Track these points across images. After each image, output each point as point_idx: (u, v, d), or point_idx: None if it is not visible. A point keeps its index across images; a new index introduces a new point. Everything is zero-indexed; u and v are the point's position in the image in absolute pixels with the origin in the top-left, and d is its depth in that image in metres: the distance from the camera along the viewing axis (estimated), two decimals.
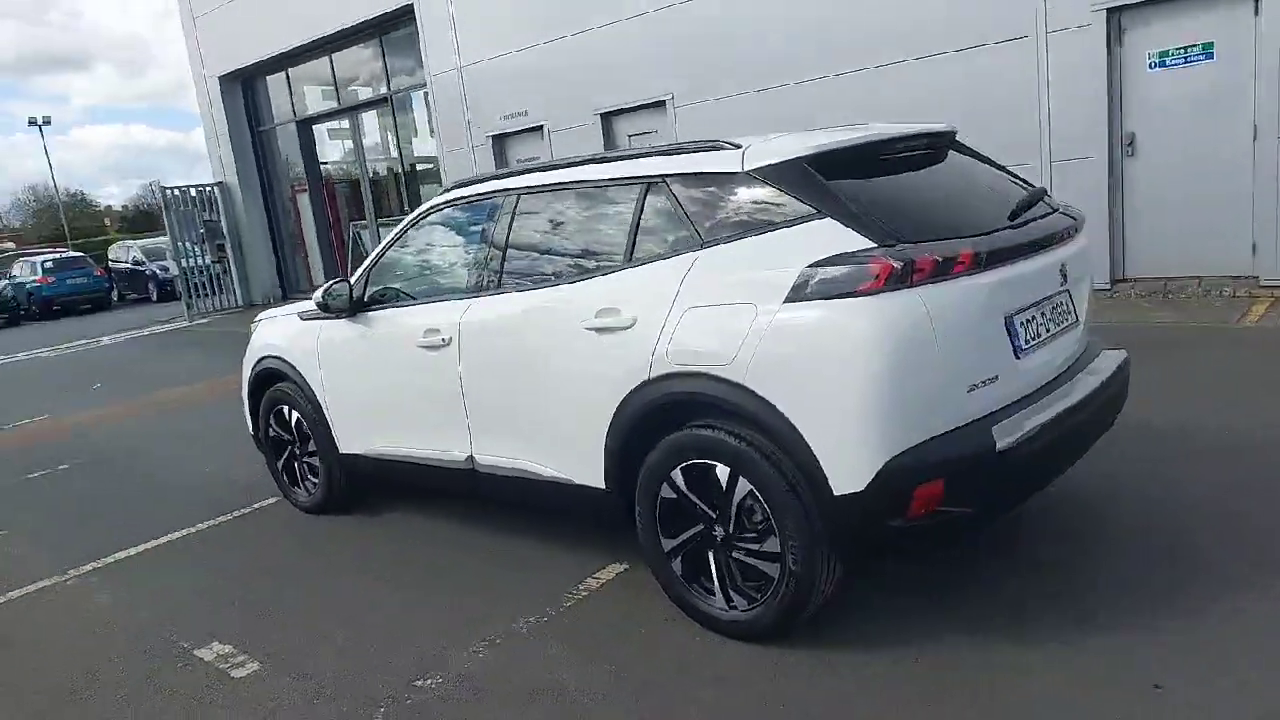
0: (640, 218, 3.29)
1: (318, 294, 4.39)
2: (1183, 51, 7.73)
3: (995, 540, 3.52)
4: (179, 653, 3.46)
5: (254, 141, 18.55)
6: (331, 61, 16.47)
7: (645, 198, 3.29)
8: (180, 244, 18.00)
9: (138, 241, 29.23)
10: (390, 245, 4.35)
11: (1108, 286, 8.26)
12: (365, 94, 16.26)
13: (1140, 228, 8.25)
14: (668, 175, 3.24)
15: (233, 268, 18.58)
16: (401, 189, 16.08)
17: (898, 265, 2.67)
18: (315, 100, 17.39)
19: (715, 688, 2.81)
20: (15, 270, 25.50)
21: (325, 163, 18.29)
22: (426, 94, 14.23)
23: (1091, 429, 3.24)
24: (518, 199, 3.77)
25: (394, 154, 16.14)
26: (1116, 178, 8.21)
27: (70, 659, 3.54)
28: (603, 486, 3.34)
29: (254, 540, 4.69)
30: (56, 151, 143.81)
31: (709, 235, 3.08)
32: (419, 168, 15.90)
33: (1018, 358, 2.94)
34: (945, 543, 3.38)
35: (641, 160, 3.37)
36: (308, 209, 18.16)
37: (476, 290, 3.80)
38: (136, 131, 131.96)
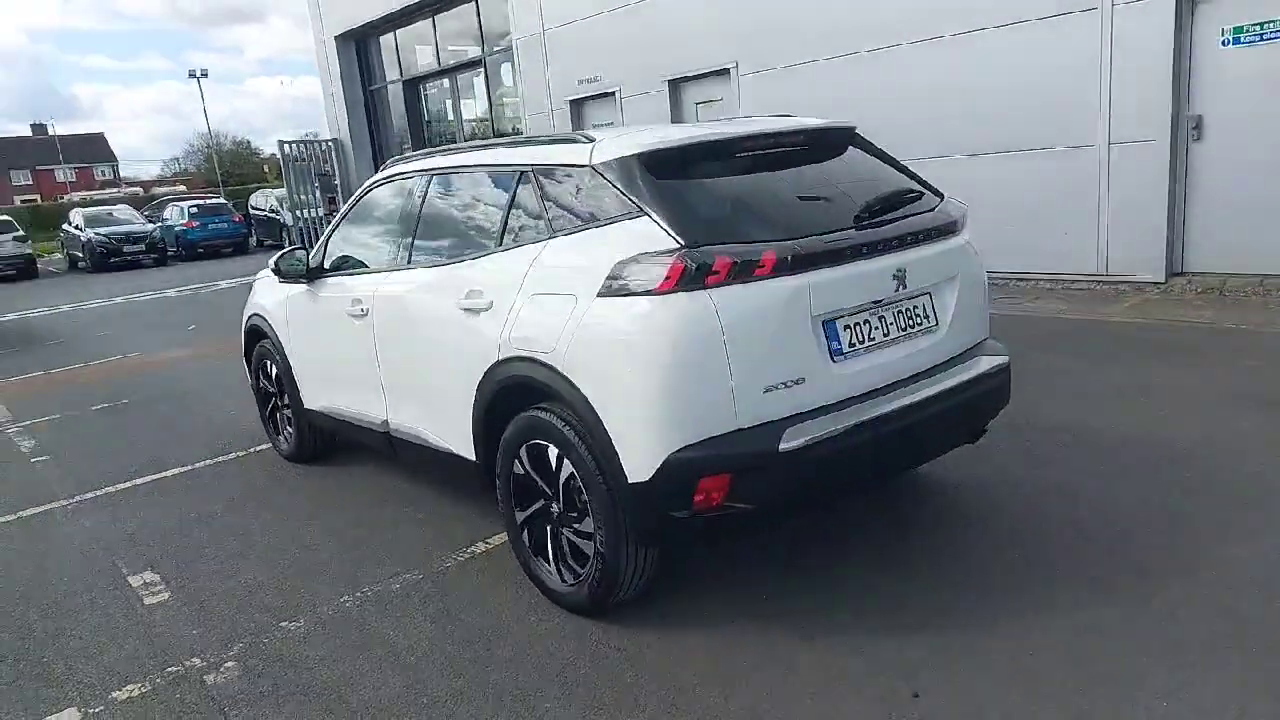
0: (511, 205, 3.44)
1: (273, 259, 4.75)
2: (1259, 28, 7.09)
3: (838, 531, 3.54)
4: (113, 578, 3.93)
5: (365, 100, 19.47)
6: (434, 23, 17.05)
7: (517, 186, 3.44)
8: (296, 195, 19.20)
9: (276, 190, 31.22)
10: (342, 217, 4.65)
11: (1161, 280, 7.76)
12: (462, 56, 16.77)
13: (1202, 218, 7.67)
14: (535, 165, 3.38)
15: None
16: None
17: (691, 266, 2.73)
18: (419, 61, 18.06)
19: (523, 650, 3.00)
20: (166, 214, 27.79)
21: (430, 121, 19.01)
22: (512, 57, 14.59)
23: (929, 436, 3.20)
24: (429, 180, 3.99)
25: (486, 116, 16.63)
26: (1179, 163, 7.64)
27: (28, 573, 4.08)
28: (474, 458, 3.57)
29: (231, 481, 5.17)
30: (233, 100, 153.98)
31: (557, 226, 3.21)
32: (508, 130, 16.30)
33: (834, 361, 2.95)
34: (736, 536, 3.48)
35: (520, 149, 3.51)
36: None
37: (392, 265, 4.07)
38: (306, 83, 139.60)
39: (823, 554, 3.50)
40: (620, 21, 12.35)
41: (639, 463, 2.79)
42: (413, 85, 18.39)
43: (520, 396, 3.22)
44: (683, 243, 2.80)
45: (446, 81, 17.63)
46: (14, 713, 2.94)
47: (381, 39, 18.76)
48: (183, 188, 47.14)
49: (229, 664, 3.13)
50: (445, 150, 4.04)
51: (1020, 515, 3.71)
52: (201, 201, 28.29)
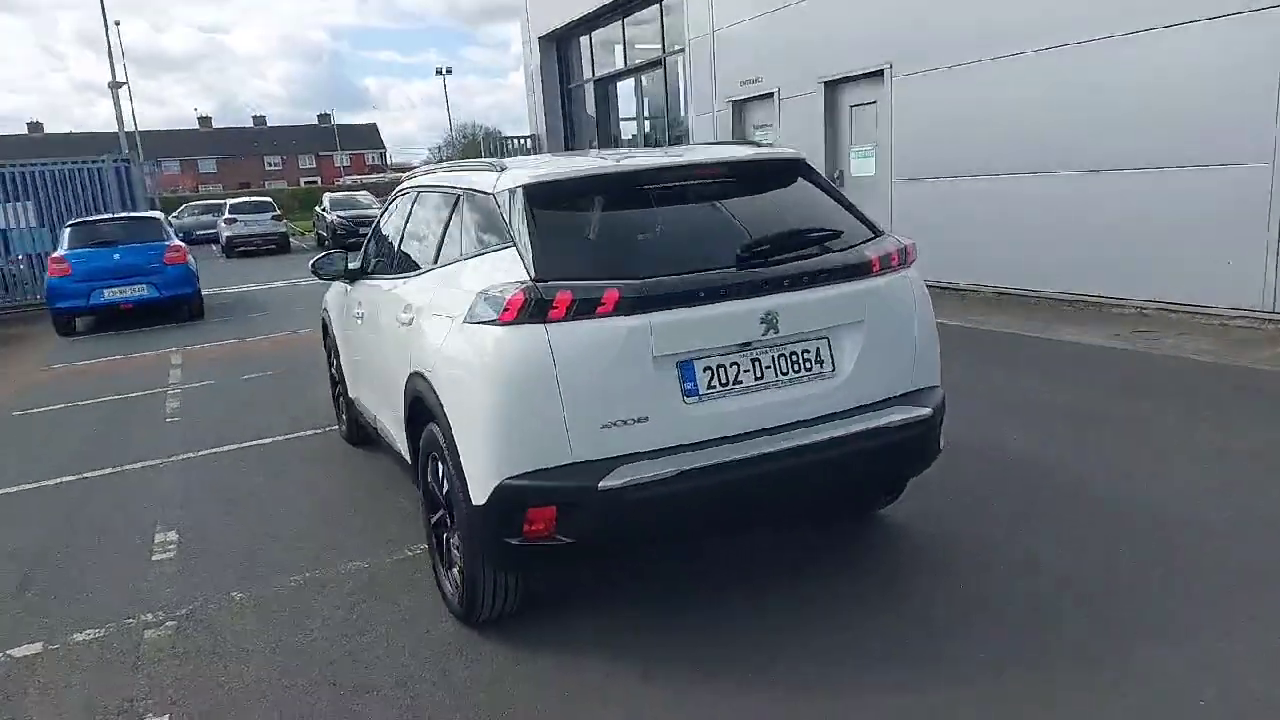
0: (445, 227, 3.62)
1: (311, 260, 5.22)
2: None
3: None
4: (144, 534, 4.54)
5: (562, 98, 20.40)
6: (623, 25, 17.54)
7: (452, 210, 3.61)
8: None
9: None
10: (375, 224, 5.04)
11: None
12: (644, 57, 17.13)
13: None
14: (463, 190, 3.53)
15: None
16: (666, 147, 16.81)
17: (531, 300, 2.78)
18: (609, 61, 18.65)
19: (389, 649, 3.19)
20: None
21: (626, 119, 19.59)
22: (683, 58, 14.73)
23: (800, 486, 3.02)
24: (414, 196, 4.25)
25: (662, 115, 16.90)
26: None
27: (83, 521, 4.81)
28: (409, 461, 3.80)
29: (289, 456, 5.76)
30: (497, 92, 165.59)
31: (466, 250, 3.36)
32: (677, 131, 16.49)
33: (687, 402, 2.87)
34: (569, 565, 3.45)
35: (460, 173, 3.69)
36: None
37: (383, 272, 4.38)
38: None
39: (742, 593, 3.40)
40: (781, 22, 12.15)
41: (478, 486, 2.89)
42: (602, 84, 19.03)
43: (422, 410, 3.39)
44: (533, 276, 2.85)
45: (631, 81, 18.09)
46: None
47: (579, 40, 19.55)
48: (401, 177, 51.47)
49: (169, 623, 3.57)
50: (430, 169, 4.29)
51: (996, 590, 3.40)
52: None
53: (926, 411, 3.19)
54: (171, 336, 11.39)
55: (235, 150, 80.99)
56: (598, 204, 3.14)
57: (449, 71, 56.06)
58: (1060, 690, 2.69)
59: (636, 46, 17.61)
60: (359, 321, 4.58)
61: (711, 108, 14.03)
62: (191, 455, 5.93)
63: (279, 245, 26.72)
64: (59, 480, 5.57)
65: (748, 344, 2.95)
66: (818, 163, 11.77)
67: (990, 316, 8.56)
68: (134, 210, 15.68)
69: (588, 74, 19.46)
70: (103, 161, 16.21)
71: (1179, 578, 3.31)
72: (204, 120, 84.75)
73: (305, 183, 70.20)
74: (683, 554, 3.79)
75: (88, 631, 3.55)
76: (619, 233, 3.13)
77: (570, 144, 20.34)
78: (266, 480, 5.29)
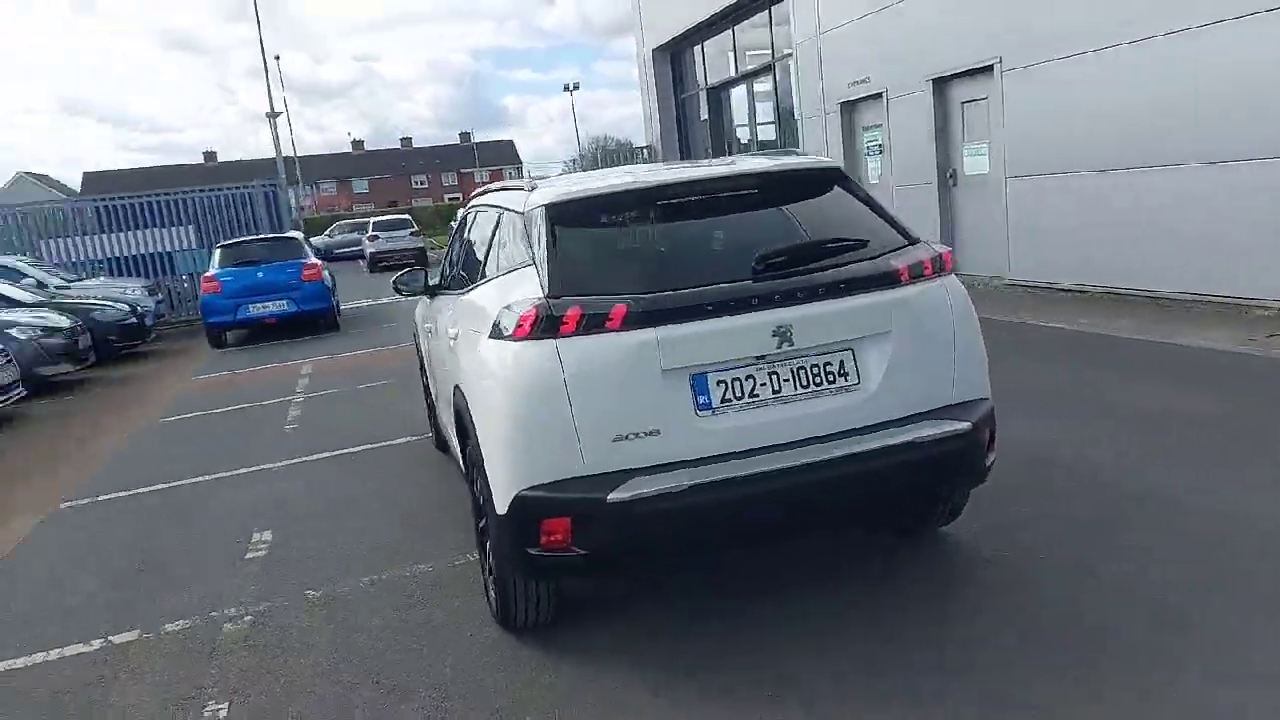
0: (489, 245, 3.78)
1: (394, 277, 5.50)
2: None
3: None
4: (243, 533, 4.93)
5: (676, 108, 20.55)
6: (734, 33, 17.52)
7: (495, 227, 3.77)
8: None
9: None
10: (451, 241, 5.28)
11: None
12: (754, 64, 17.05)
13: None
14: (503, 209, 3.68)
15: None
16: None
17: (543, 315, 2.88)
18: (721, 69, 18.65)
19: (433, 650, 3.36)
20: None
21: (744, 125, 19.55)
22: (791, 62, 14.58)
23: (822, 501, 2.98)
24: (474, 214, 4.44)
25: (774, 120, 16.76)
26: None
27: (193, 521, 5.26)
28: (464, 470, 3.98)
29: (387, 461, 6.11)
30: (629, 105, 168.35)
31: (501, 267, 3.50)
32: (787, 135, 16.29)
33: (700, 416, 2.89)
34: (592, 576, 3.44)
35: (504, 193, 3.84)
36: None
37: (448, 288, 4.58)
38: None
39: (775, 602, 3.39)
40: (886, 21, 11.84)
41: (500, 496, 3.01)
42: (715, 93, 19.05)
43: (462, 422, 3.55)
44: (547, 292, 2.95)
45: (743, 88, 18.03)
46: (97, 626, 3.93)
47: (692, 50, 19.65)
48: None
49: (247, 617, 3.88)
50: (485, 188, 4.46)
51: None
52: None
53: (963, 426, 3.07)
54: (306, 348, 12.22)
55: (385, 170, 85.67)
56: (619, 220, 3.21)
57: (576, 87, 57.48)
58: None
59: (748, 53, 17.55)
60: (431, 335, 4.82)
61: (821, 111, 13.82)
62: (301, 460, 6.37)
63: (417, 259, 28.08)
64: (183, 483, 6.12)
65: (763, 357, 2.95)
66: (928, 162, 11.42)
67: (1107, 319, 8.06)
68: (280, 231, 16.89)
69: (700, 83, 19.53)
70: (252, 187, 17.55)
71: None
72: (356, 144, 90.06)
73: (449, 199, 73.39)
74: (714, 564, 3.80)
75: (178, 622, 3.90)
76: (637, 248, 3.19)
77: (684, 153, 20.45)
78: (362, 484, 5.63)
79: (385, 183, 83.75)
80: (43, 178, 69.45)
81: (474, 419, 3.20)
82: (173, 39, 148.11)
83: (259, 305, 13.29)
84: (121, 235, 16.78)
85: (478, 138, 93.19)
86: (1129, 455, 4.65)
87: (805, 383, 2.99)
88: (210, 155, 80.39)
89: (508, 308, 3.02)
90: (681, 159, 20.47)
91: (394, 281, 5.37)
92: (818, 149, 14.02)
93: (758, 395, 2.96)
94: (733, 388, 2.94)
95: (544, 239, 3.13)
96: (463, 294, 3.98)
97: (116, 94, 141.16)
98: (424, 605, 3.80)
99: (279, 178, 39.70)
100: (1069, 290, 9.46)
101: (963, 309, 3.25)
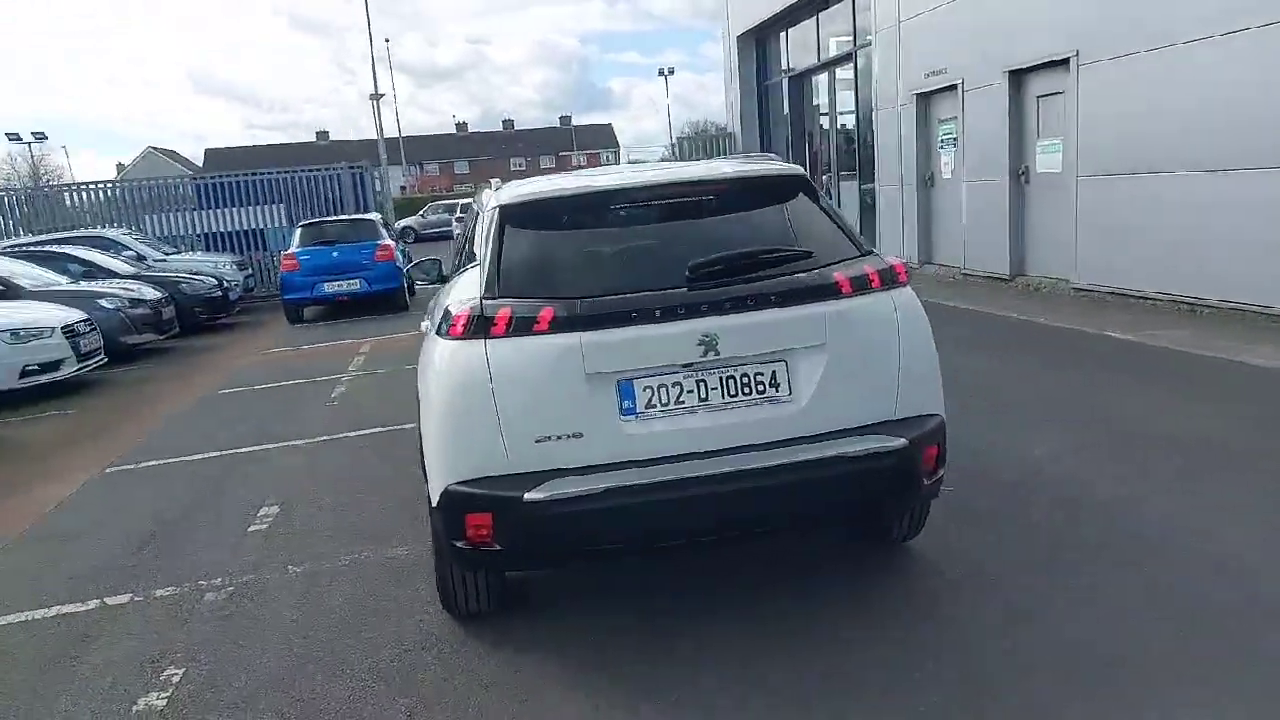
0: (469, 242, 3.85)
1: (409, 265, 5.63)
2: None
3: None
4: (253, 505, 5.18)
5: (759, 95, 20.27)
6: (818, 20, 17.14)
7: (476, 224, 3.83)
8: None
9: None
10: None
11: None
12: (835, 51, 16.65)
13: None
14: (483, 206, 3.73)
15: None
16: (856, 146, 16.27)
17: (475, 316, 2.93)
18: (803, 57, 18.28)
19: (393, 641, 3.48)
20: None
21: (825, 115, 19.18)
22: (870, 50, 14.19)
23: (738, 509, 2.96)
24: (473, 209, 4.51)
25: (852, 110, 16.35)
26: None
27: (208, 490, 5.53)
28: None
29: (404, 444, 6.26)
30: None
31: (466, 265, 3.56)
32: (861, 126, 15.87)
33: (624, 420, 2.89)
34: (521, 569, 3.47)
35: (488, 191, 3.88)
36: (786, 159, 19.36)
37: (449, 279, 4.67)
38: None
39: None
40: (967, 9, 11.42)
41: (433, 489, 3.09)
42: (797, 80, 18.70)
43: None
44: (483, 293, 3.00)
45: (825, 76, 17.65)
46: (98, 587, 4.20)
47: (776, 36, 19.33)
48: None
49: (229, 588, 4.08)
50: (483, 186, 4.53)
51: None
52: None
53: (896, 444, 2.98)
54: (373, 326, 12.64)
55: (485, 153, 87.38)
56: (568, 224, 3.23)
57: (672, 72, 57.44)
58: None
59: (831, 40, 17.16)
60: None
61: (897, 102, 13.43)
62: (329, 438, 6.63)
63: None
64: (217, 453, 6.45)
65: (689, 365, 2.93)
66: (1001, 158, 10.99)
67: (1197, 334, 7.61)
68: (365, 211, 17.48)
69: (783, 70, 19.20)
70: (339, 168, 18.21)
71: None
72: (460, 126, 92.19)
73: None
74: (678, 563, 3.80)
75: (169, 588, 4.14)
76: (581, 252, 3.20)
77: (764, 141, 20.18)
78: (378, 462, 5.83)
79: (485, 164, 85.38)
80: (171, 153, 73.63)
81: (419, 412, 3.28)
82: (300, 21, 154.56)
83: (333, 284, 13.80)
84: (217, 212, 17.69)
85: (582, 121, 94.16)
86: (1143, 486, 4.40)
87: (734, 392, 2.96)
88: (323, 135, 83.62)
89: (449, 307, 3.09)
90: (761, 148, 20.23)
91: (409, 269, 5.50)
92: (893, 141, 13.66)
93: (684, 403, 2.94)
94: (659, 394, 2.93)
95: (492, 240, 3.18)
96: (441, 289, 4.07)
97: (244, 73, 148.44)
98: (390, 587, 3.93)
99: (380, 158, 40.95)
100: (1151, 299, 8.95)
101: (912, 323, 3.14)
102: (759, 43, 20.03)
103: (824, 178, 17.79)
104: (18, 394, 8.69)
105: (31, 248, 13.85)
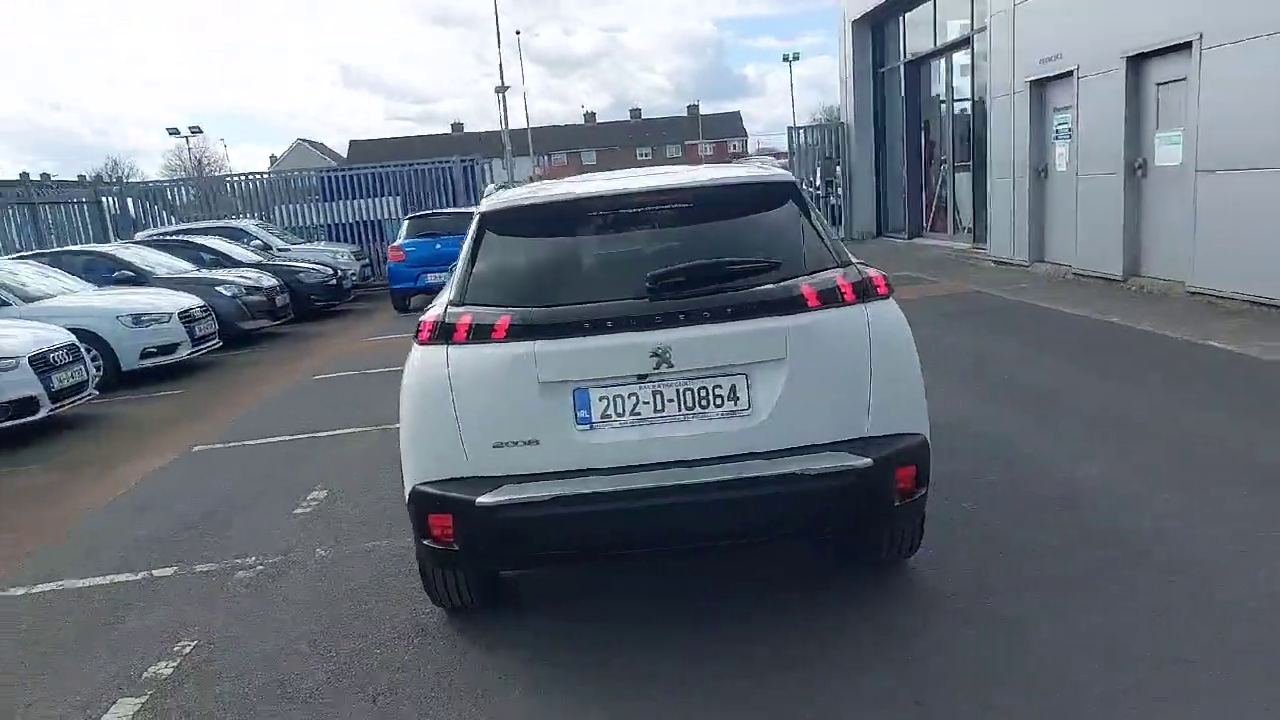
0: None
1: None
2: None
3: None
4: (303, 490, 5.47)
5: (874, 82, 19.64)
6: (935, 3, 16.46)
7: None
8: (802, 178, 20.41)
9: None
10: None
11: None
12: (953, 36, 15.94)
13: None
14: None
15: (843, 203, 20.31)
16: (971, 135, 15.54)
17: (439, 323, 3.01)
18: (920, 44, 17.59)
19: (385, 628, 3.64)
20: None
21: (942, 102, 18.44)
22: (986, 35, 13.51)
23: (690, 521, 2.94)
24: None
25: (967, 97, 15.62)
26: None
27: (260, 475, 5.87)
28: None
29: None
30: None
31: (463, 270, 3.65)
32: (975, 114, 15.13)
33: (579, 429, 2.92)
34: (482, 570, 3.47)
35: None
36: (899, 148, 18.71)
37: None
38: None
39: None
40: None
41: (406, 488, 3.19)
42: (913, 66, 18.03)
43: None
44: (451, 299, 3.08)
45: (942, 62, 16.93)
46: (150, 559, 4.55)
47: (893, 21, 18.67)
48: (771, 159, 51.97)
49: (259, 568, 4.35)
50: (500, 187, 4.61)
51: None
52: None
53: (861, 463, 2.88)
54: None
55: (612, 142, 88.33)
56: (546, 231, 3.27)
57: (797, 58, 55.93)
58: None
59: (948, 24, 16.44)
60: None
61: (1010, 89, 12.75)
62: (394, 427, 6.90)
63: None
64: (292, 437, 6.84)
65: (644, 376, 2.91)
66: (1117, 150, 10.28)
67: None
68: (476, 204, 18.01)
69: (899, 56, 18.54)
70: (451, 162, 18.87)
71: None
72: (588, 116, 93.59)
73: None
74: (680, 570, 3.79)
75: (209, 564, 4.45)
76: (552, 260, 3.23)
77: (879, 130, 19.57)
78: None
79: (612, 154, 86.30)
80: (319, 145, 78.12)
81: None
82: (444, 15, 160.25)
83: (436, 274, 14.27)
84: (339, 204, 18.69)
85: (717, 108, 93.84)
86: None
87: (690, 405, 2.93)
88: (458, 126, 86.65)
89: (425, 312, 3.19)
90: (875, 137, 19.63)
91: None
92: (1005, 131, 12.99)
93: (639, 414, 2.93)
94: (614, 404, 2.94)
95: (469, 247, 3.26)
96: None
97: (390, 67, 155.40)
98: (399, 577, 4.08)
99: (504, 149, 41.92)
100: (1260, 304, 8.20)
101: (889, 337, 3.02)
102: (875, 28, 19.41)
103: (942, 167, 17.12)
104: (138, 374, 9.49)
105: (169, 237, 15.03)
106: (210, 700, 3.18)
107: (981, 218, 14.45)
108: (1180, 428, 5.25)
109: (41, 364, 7.31)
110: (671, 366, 2.89)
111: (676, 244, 3.21)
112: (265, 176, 20.34)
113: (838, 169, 20.32)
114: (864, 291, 3.02)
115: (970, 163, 15.39)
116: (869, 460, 2.89)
